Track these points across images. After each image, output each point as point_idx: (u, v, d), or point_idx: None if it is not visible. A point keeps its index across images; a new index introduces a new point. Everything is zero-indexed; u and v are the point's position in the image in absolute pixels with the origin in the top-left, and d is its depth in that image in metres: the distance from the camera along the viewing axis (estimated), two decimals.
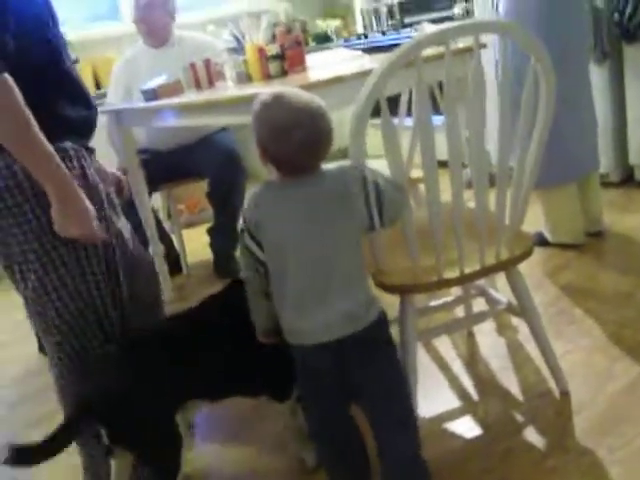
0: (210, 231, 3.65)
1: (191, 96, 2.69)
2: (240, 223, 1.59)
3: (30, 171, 1.56)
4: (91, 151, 1.81)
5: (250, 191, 1.57)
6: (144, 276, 1.97)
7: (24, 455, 1.49)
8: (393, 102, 2.61)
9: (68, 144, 1.68)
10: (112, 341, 1.76)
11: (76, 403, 1.63)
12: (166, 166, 3.48)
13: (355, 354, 1.55)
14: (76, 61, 4.77)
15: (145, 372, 1.64)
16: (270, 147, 1.48)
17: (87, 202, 1.64)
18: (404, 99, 2.65)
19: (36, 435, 1.50)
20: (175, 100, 2.61)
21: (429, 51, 2.06)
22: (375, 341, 1.59)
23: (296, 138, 1.44)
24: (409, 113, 2.03)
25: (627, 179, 3.65)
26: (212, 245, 3.66)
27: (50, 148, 1.56)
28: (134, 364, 1.66)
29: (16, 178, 1.59)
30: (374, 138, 1.77)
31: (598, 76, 3.35)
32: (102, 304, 1.74)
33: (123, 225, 1.85)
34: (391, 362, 1.62)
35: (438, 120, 1.77)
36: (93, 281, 1.72)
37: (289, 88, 1.52)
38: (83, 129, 1.77)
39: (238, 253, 1.63)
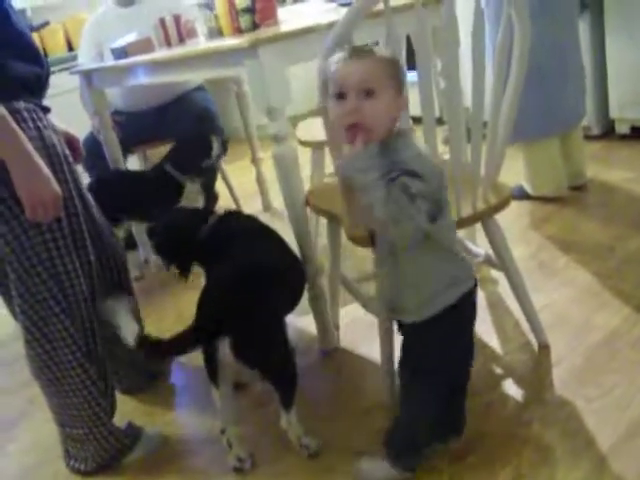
0: None
1: (162, 53, 2.62)
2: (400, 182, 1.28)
3: None
4: (46, 110, 1.73)
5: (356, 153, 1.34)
6: (110, 241, 1.92)
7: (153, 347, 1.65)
8: None
9: (21, 104, 1.61)
10: (78, 310, 1.73)
11: (207, 314, 1.68)
12: (141, 128, 3.42)
13: None
14: (47, 23, 4.67)
15: (265, 285, 1.69)
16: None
17: (44, 166, 1.57)
18: None
19: (20, 399, 1.44)
20: (145, 57, 2.54)
21: (401, 0, 2.01)
22: None
23: None
24: None
25: (608, 132, 3.62)
26: None
27: (2, 110, 1.49)
28: (255, 280, 1.70)
29: None
30: None
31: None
32: (65, 271, 1.70)
33: (83, 187, 1.81)
34: None
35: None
36: (54, 247, 1.67)
37: None
38: (35, 86, 1.69)
39: None
